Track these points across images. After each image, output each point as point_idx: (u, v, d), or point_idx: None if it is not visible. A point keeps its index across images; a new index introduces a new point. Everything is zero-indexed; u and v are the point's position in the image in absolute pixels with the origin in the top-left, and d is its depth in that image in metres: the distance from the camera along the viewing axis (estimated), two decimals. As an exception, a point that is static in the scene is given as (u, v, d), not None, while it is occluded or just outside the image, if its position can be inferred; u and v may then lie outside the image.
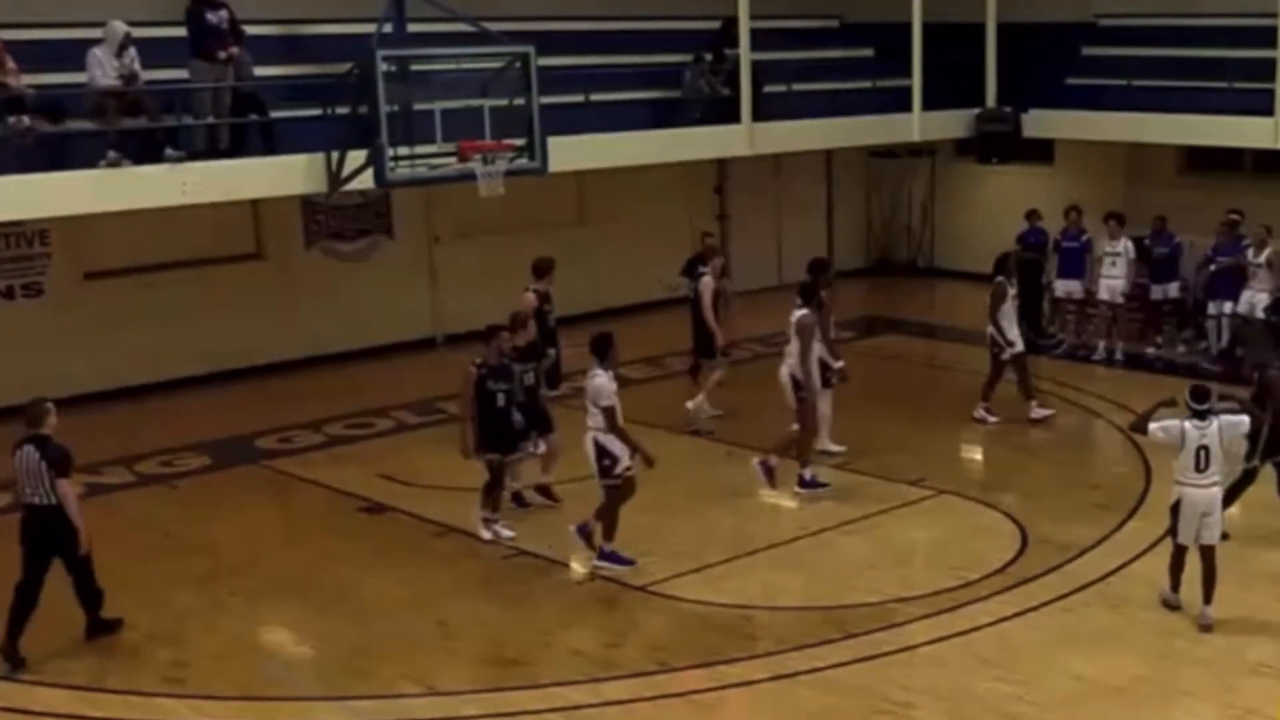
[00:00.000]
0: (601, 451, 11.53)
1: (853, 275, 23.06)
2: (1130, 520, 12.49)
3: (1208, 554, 10.49)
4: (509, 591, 11.44)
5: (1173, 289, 18.43)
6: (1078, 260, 18.45)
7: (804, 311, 13.42)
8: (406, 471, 14.40)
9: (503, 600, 11.27)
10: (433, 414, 16.46)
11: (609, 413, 11.47)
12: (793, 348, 13.42)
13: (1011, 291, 15.22)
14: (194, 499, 13.80)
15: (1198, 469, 10.37)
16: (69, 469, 10.27)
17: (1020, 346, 15.32)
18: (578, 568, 11.76)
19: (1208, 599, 10.48)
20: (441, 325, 19.75)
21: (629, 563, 11.64)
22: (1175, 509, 10.53)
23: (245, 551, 12.39)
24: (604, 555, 11.67)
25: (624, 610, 11.08)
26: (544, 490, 13.16)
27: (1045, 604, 10.85)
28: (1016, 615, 10.67)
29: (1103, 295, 18.10)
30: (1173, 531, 10.62)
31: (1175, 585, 10.70)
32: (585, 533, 11.74)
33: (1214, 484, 10.44)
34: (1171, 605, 10.70)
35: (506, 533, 12.35)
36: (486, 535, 12.32)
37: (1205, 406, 10.45)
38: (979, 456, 15.36)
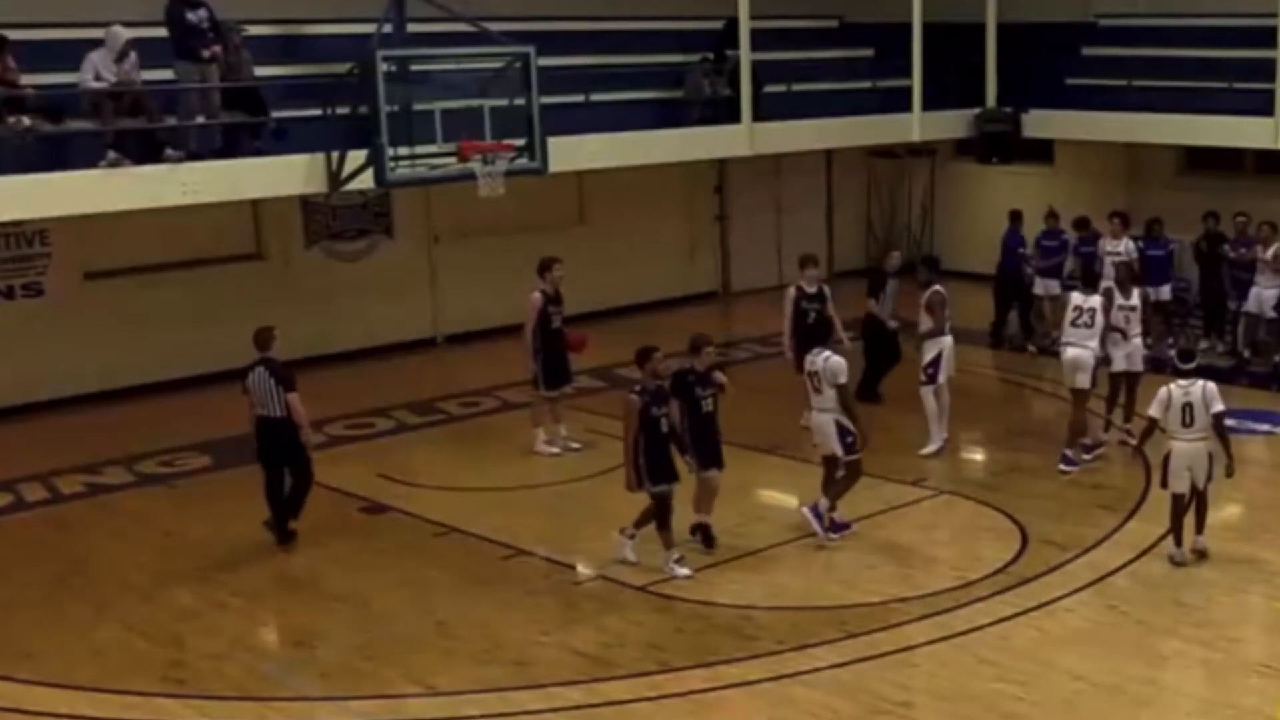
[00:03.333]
0: (843, 430, 12.02)
1: (853, 275, 23.04)
2: (1130, 520, 12.49)
3: (1200, 494, 11.36)
4: (509, 591, 11.44)
5: (1164, 291, 18.09)
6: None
7: (1098, 294, 14.14)
8: (406, 471, 14.42)
9: (503, 600, 11.26)
10: (433, 414, 16.48)
11: (844, 390, 12.03)
12: (1093, 329, 13.81)
13: (1119, 301, 14.49)
14: (194, 499, 13.80)
15: (1183, 424, 11.17)
16: (294, 384, 12.11)
17: (1114, 364, 14.59)
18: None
19: (1200, 529, 11.38)
20: (441, 325, 19.77)
21: (848, 526, 12.30)
22: (1165, 461, 11.35)
23: (245, 551, 12.36)
24: (833, 526, 12.17)
25: (624, 610, 11.06)
26: (703, 530, 12.07)
27: (1045, 604, 10.85)
28: (1016, 615, 10.67)
29: None
30: (1163, 482, 11.40)
31: (1178, 540, 11.41)
32: (817, 512, 12.10)
33: (1199, 439, 11.19)
34: (1177, 561, 11.36)
35: (683, 570, 11.47)
36: (683, 572, 11.44)
37: (1190, 366, 11.25)
38: (979, 456, 15.35)
